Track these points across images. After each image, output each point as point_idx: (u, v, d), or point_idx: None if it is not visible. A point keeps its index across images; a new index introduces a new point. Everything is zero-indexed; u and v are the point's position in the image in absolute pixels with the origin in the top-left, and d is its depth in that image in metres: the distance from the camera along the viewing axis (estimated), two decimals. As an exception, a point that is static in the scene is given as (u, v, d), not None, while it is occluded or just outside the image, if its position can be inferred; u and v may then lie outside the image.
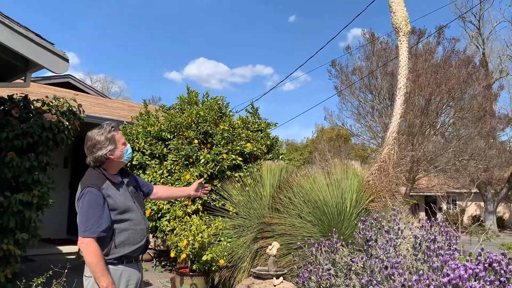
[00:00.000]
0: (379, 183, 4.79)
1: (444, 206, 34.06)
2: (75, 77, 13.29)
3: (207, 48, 78.62)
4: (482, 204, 26.17)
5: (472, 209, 33.52)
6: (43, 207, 5.03)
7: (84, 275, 2.47)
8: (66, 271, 4.59)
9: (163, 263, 7.22)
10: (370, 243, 2.68)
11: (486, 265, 2.08)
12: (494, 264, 2.12)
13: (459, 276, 1.83)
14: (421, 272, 2.06)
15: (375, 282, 2.14)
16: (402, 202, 4.91)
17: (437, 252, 2.36)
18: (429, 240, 2.63)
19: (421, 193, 27.19)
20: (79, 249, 7.59)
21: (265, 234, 4.98)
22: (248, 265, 4.93)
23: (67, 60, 3.96)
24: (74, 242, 8.32)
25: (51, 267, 4.63)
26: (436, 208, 31.73)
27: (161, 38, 77.33)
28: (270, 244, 4.45)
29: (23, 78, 4.32)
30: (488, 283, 1.89)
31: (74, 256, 7.53)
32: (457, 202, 34.84)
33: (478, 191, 23.98)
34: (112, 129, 2.50)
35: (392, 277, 2.01)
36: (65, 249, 8.15)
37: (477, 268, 1.95)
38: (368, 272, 2.27)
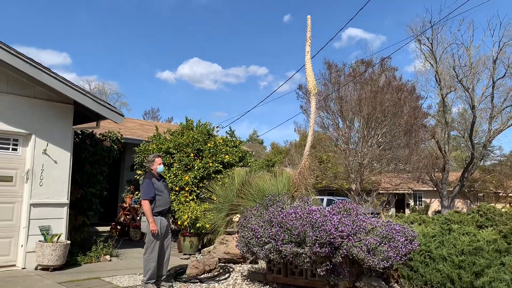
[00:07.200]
0: (299, 181, 7.76)
1: (411, 203, 37.27)
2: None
3: (201, 48, 75.51)
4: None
5: (436, 205, 36.69)
6: (101, 197, 7.94)
7: (141, 220, 5.46)
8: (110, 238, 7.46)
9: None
10: (267, 206, 5.72)
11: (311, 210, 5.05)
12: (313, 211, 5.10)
13: (287, 212, 4.81)
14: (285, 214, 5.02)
15: (265, 220, 5.14)
16: (313, 192, 7.88)
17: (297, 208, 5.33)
18: (302, 207, 5.62)
19: (391, 191, 29.23)
20: (110, 227, 10.59)
21: (233, 212, 7.92)
22: (223, 229, 7.87)
23: (123, 116, 6.87)
24: (104, 225, 11.19)
25: (97, 237, 7.37)
26: (404, 204, 34.50)
27: (155, 37, 73.83)
28: (235, 216, 7.40)
29: (96, 122, 7.19)
30: (300, 215, 4.86)
31: (106, 234, 10.41)
32: (422, 199, 38.11)
33: (435, 188, 26.46)
34: (154, 157, 5.46)
35: (271, 214, 5.05)
36: (100, 229, 10.99)
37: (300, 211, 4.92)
38: (262, 216, 5.33)
